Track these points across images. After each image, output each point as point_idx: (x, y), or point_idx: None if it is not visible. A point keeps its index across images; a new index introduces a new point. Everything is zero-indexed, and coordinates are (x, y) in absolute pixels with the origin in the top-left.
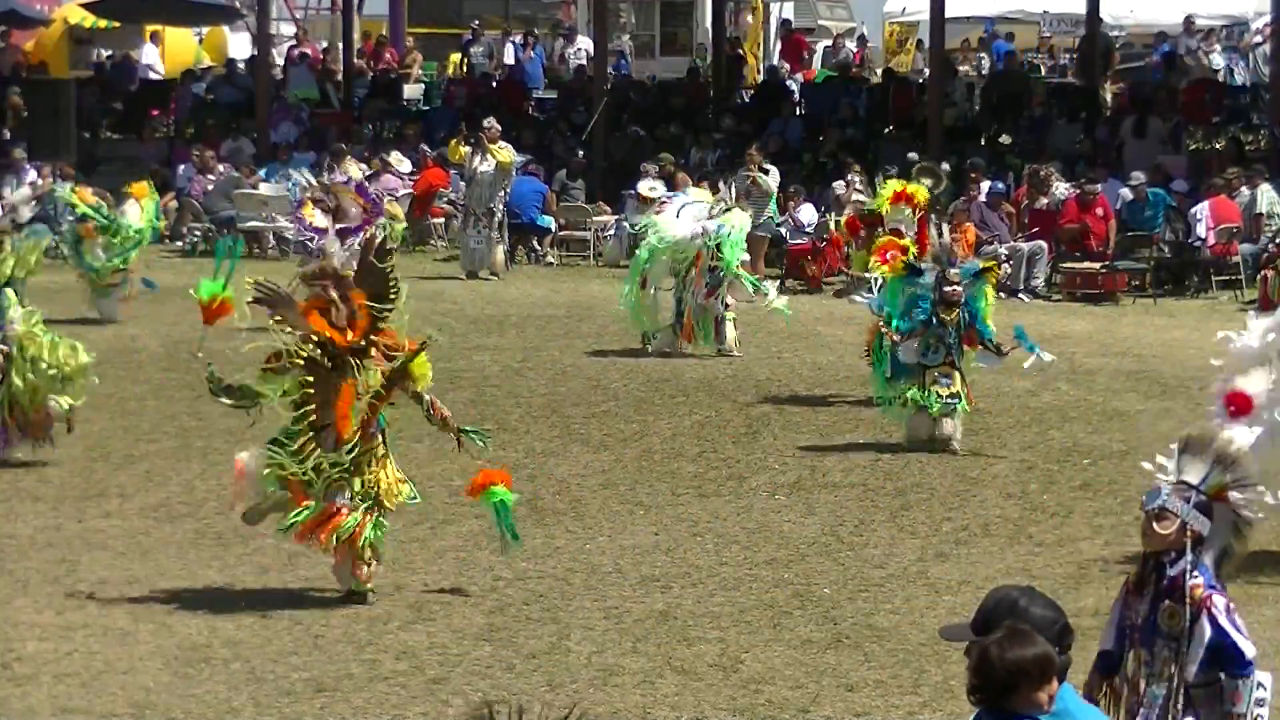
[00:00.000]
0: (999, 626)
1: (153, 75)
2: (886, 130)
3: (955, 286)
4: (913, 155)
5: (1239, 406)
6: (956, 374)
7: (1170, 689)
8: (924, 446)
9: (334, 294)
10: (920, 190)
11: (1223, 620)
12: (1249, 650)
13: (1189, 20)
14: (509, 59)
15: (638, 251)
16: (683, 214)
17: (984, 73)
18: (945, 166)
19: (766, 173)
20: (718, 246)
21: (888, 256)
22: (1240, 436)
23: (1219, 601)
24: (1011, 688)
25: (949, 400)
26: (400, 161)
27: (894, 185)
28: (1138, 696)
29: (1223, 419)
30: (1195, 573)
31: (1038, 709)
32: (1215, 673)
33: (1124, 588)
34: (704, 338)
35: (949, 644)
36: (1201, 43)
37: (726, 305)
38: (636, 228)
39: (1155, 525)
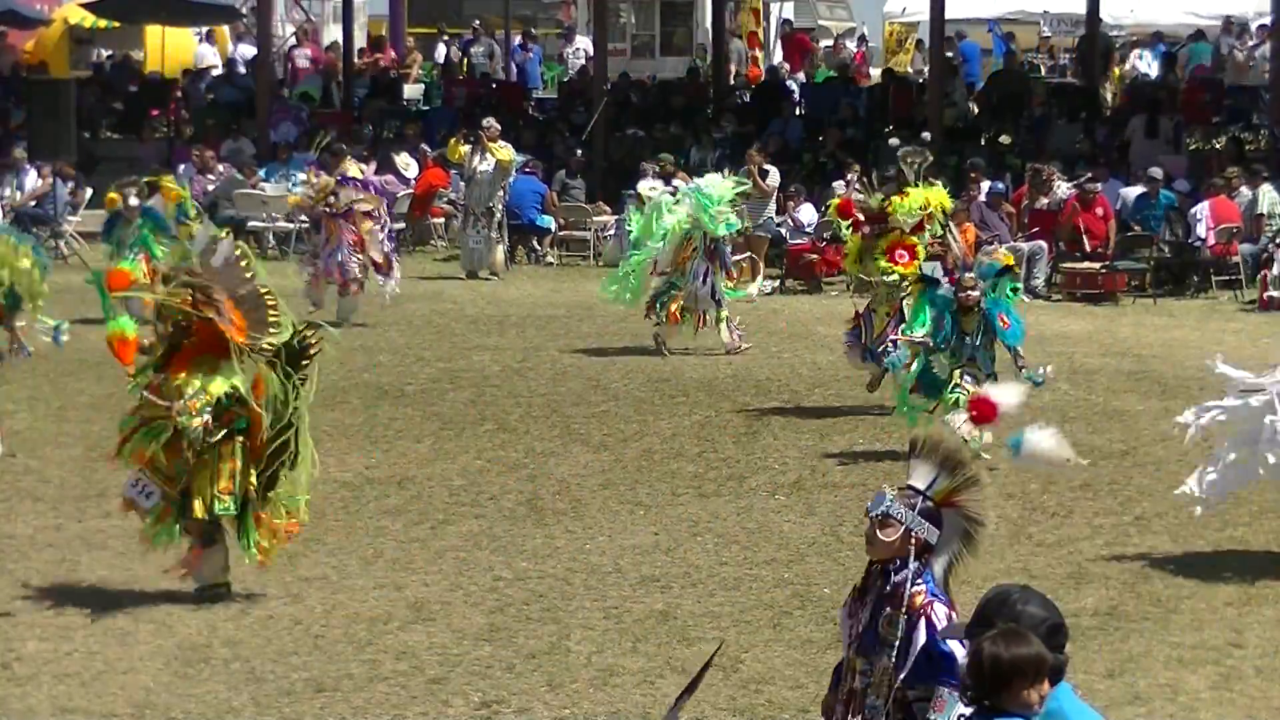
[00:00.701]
0: (994, 624)
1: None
2: (886, 130)
3: (971, 291)
4: (894, 141)
5: (982, 413)
6: (984, 377)
7: (887, 699)
8: None
9: (216, 296)
10: (942, 197)
11: (939, 630)
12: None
13: (1228, 20)
14: (478, 58)
15: (654, 228)
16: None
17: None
18: (925, 135)
19: (766, 174)
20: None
21: (898, 257)
22: (1010, 395)
23: (939, 610)
24: (1003, 686)
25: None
26: (407, 166)
27: (917, 197)
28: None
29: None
30: (919, 581)
31: (1028, 709)
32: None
33: (849, 597)
34: (690, 330)
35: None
36: (1235, 40)
37: (719, 301)
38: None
39: (879, 532)
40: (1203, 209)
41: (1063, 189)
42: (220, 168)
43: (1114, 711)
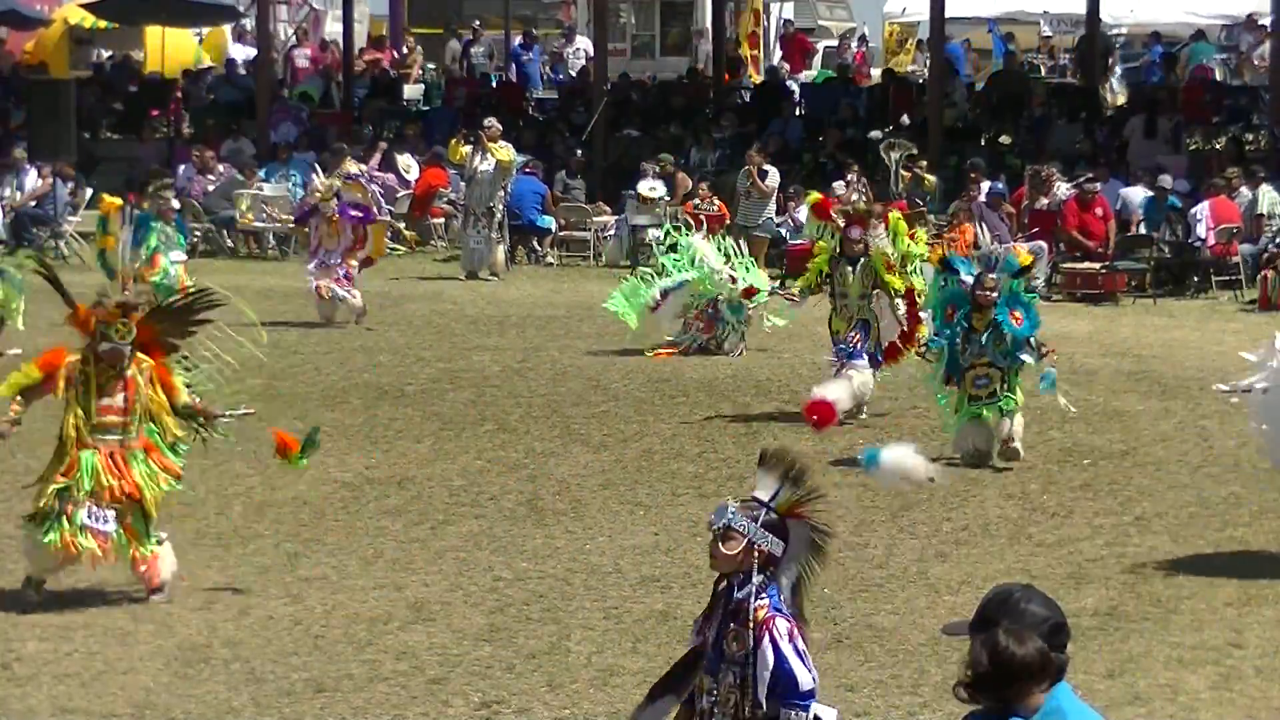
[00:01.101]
0: (997, 624)
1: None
2: (886, 130)
3: (990, 291)
4: (875, 134)
5: (821, 415)
6: (996, 373)
7: (734, 719)
8: (973, 459)
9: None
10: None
11: (783, 645)
12: (805, 680)
13: (1251, 18)
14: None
15: (671, 268)
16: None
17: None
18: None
19: (765, 174)
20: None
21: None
22: (839, 390)
23: (781, 626)
24: (1013, 684)
25: (987, 401)
26: (408, 170)
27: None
28: None
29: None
30: (762, 595)
31: (1028, 709)
32: None
33: (700, 615)
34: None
35: (952, 638)
36: (1253, 37)
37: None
38: (684, 252)
39: (721, 546)
40: (1203, 209)
41: (1063, 189)
42: (220, 168)
43: (1114, 711)
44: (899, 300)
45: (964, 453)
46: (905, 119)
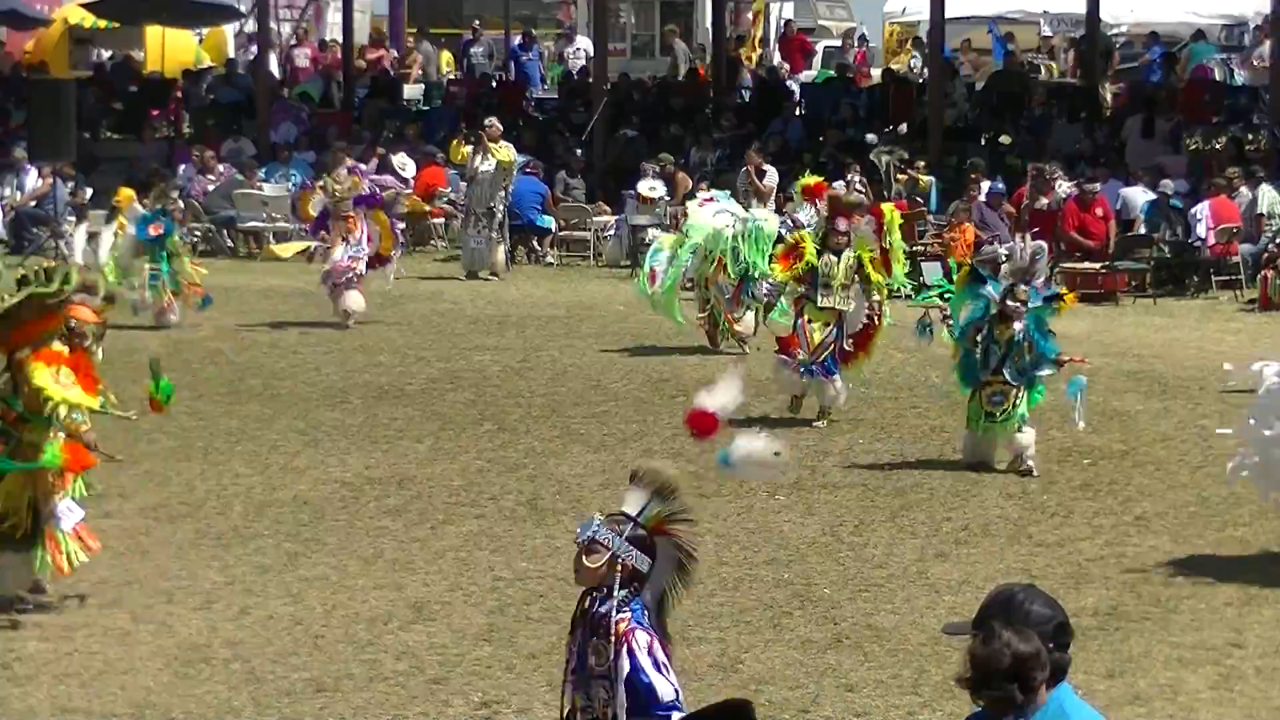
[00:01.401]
0: (998, 622)
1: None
2: (886, 130)
3: (1019, 304)
4: (871, 137)
5: (700, 426)
6: (1010, 389)
7: None
8: (976, 465)
9: None
10: (891, 213)
11: (641, 657)
12: (665, 690)
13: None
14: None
15: (679, 253)
16: (718, 213)
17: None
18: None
19: (763, 174)
20: (741, 243)
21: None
22: (720, 397)
23: (640, 638)
24: (1024, 678)
25: (1001, 418)
26: (404, 167)
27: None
28: None
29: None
30: (624, 608)
31: (1028, 708)
32: None
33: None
34: (728, 335)
35: (952, 637)
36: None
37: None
38: (684, 232)
39: (585, 559)
40: (1203, 209)
41: (1064, 188)
42: (220, 168)
43: (1114, 711)
44: (875, 299)
45: (968, 459)
46: (904, 128)
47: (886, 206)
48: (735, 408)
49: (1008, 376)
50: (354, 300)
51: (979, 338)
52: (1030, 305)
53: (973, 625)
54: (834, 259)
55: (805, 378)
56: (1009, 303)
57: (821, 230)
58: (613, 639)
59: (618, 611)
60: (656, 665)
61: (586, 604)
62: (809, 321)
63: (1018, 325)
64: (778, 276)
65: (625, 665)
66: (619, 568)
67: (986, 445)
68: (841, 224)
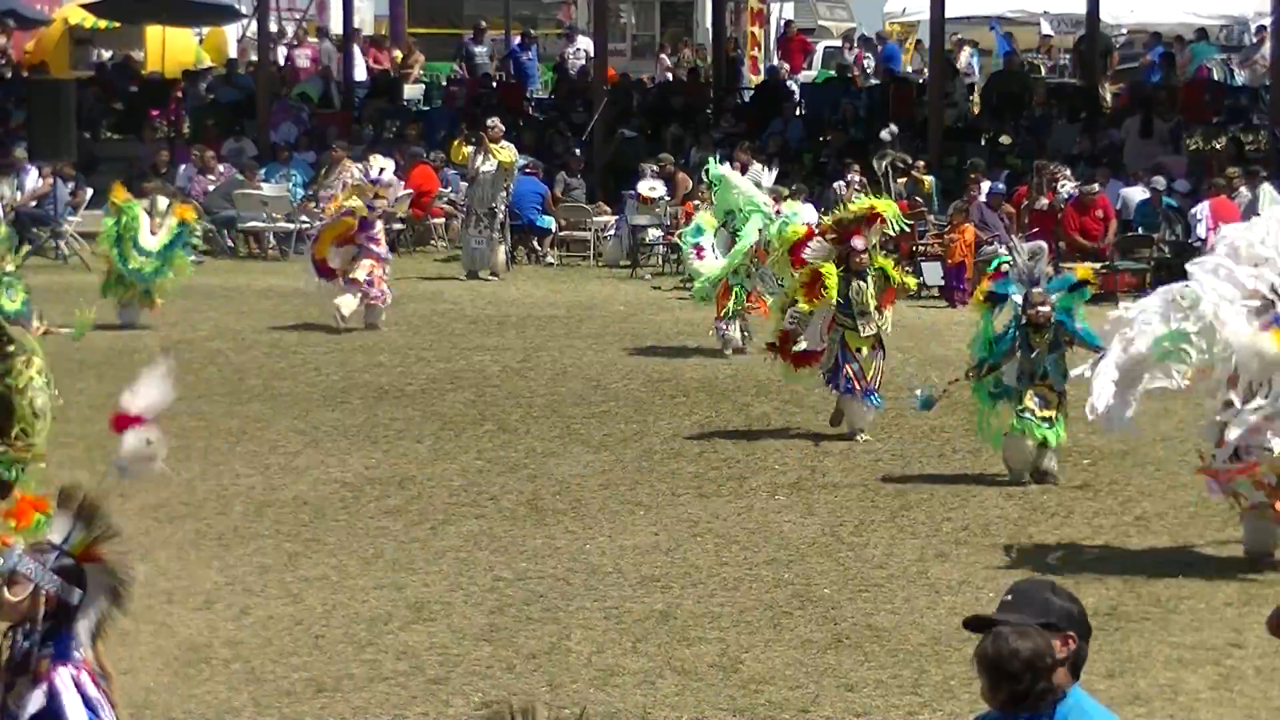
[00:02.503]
0: (1012, 615)
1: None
2: (886, 129)
3: (1042, 307)
4: (888, 131)
5: (119, 425)
6: (1055, 396)
7: None
8: (1022, 477)
9: None
10: (888, 207)
11: (66, 696)
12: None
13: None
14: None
15: (742, 234)
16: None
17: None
18: (894, 126)
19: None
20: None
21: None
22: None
23: (64, 675)
24: (1043, 675)
25: (1042, 422)
26: (382, 170)
27: (862, 204)
28: None
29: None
30: (48, 645)
31: (1039, 705)
32: None
33: None
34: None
35: (968, 632)
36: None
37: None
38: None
39: (6, 593)
40: (1203, 209)
41: (1068, 187)
42: (220, 168)
43: (1114, 711)
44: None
45: (1016, 469)
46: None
47: (884, 202)
48: (162, 406)
49: (1054, 384)
50: (346, 303)
51: (1017, 354)
52: (1053, 300)
53: (992, 616)
54: (862, 284)
55: (866, 405)
56: (1030, 310)
57: (837, 255)
58: (33, 680)
59: (41, 649)
60: (86, 702)
61: (13, 642)
62: (857, 351)
63: (1048, 320)
64: (802, 308)
65: (34, 705)
66: (43, 600)
67: (1026, 448)
68: (858, 243)
